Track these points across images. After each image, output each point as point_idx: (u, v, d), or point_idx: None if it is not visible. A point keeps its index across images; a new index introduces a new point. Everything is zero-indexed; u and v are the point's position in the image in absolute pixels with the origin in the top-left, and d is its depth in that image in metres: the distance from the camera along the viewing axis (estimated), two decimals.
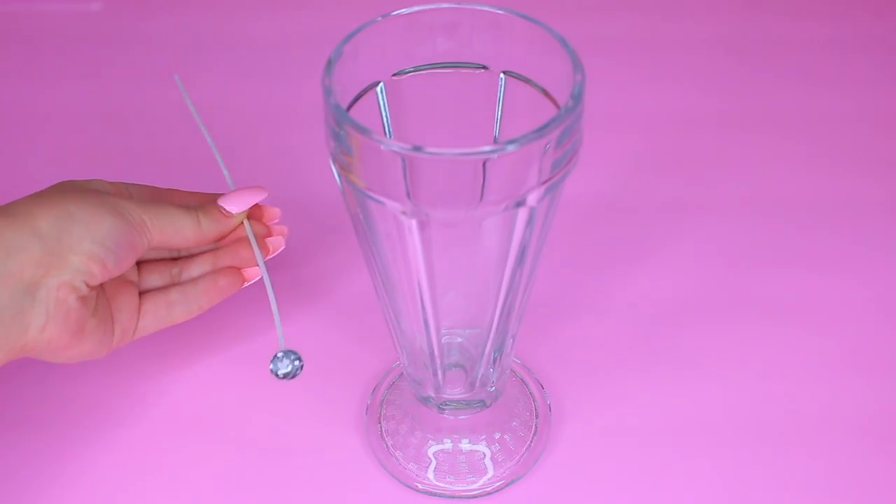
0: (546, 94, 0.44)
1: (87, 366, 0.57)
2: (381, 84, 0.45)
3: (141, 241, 0.51)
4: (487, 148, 0.39)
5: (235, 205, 0.55)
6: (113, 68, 0.77)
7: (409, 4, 0.44)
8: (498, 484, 0.54)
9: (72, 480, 0.54)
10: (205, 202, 0.55)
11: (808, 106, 0.73)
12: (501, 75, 0.46)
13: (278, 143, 0.70)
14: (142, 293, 0.54)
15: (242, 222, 0.56)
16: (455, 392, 0.52)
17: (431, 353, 0.49)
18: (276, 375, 0.51)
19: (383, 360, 0.59)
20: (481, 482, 0.54)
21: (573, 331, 0.60)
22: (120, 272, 0.50)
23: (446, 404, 0.53)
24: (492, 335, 0.48)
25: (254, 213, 0.57)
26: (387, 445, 0.55)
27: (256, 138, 0.71)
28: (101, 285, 0.51)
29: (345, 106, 0.43)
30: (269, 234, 0.57)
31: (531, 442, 0.55)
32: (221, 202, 0.55)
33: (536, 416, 0.56)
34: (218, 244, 0.57)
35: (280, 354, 0.51)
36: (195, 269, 0.56)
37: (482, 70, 0.46)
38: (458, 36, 0.45)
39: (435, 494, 0.53)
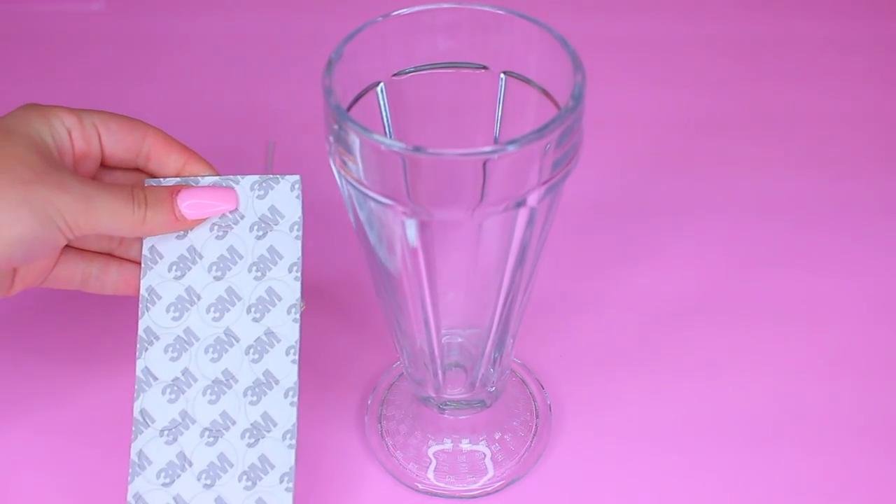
0: (546, 94, 0.44)
1: None
2: (382, 84, 0.45)
3: (60, 240, 0.47)
4: (488, 148, 0.39)
5: (196, 209, 0.50)
6: (113, 68, 0.77)
7: (409, 4, 0.44)
8: (498, 484, 0.54)
9: None
10: (156, 194, 0.49)
11: (808, 106, 0.73)
12: (502, 75, 0.46)
13: (278, 144, 0.70)
14: (67, 246, 0.51)
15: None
16: (455, 392, 0.52)
17: (432, 353, 0.49)
18: None
19: (383, 360, 0.59)
20: (481, 482, 0.54)
21: (573, 331, 0.60)
22: (36, 263, 0.48)
23: (446, 404, 0.53)
24: (492, 335, 0.48)
25: None
26: (387, 445, 0.55)
27: (256, 138, 0.71)
28: None
29: (345, 106, 0.43)
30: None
31: (531, 442, 0.55)
32: (180, 200, 0.49)
33: (536, 416, 0.56)
34: None
35: None
36: (135, 249, 0.52)
37: (482, 70, 0.46)
38: (458, 36, 0.45)
39: (435, 494, 0.53)
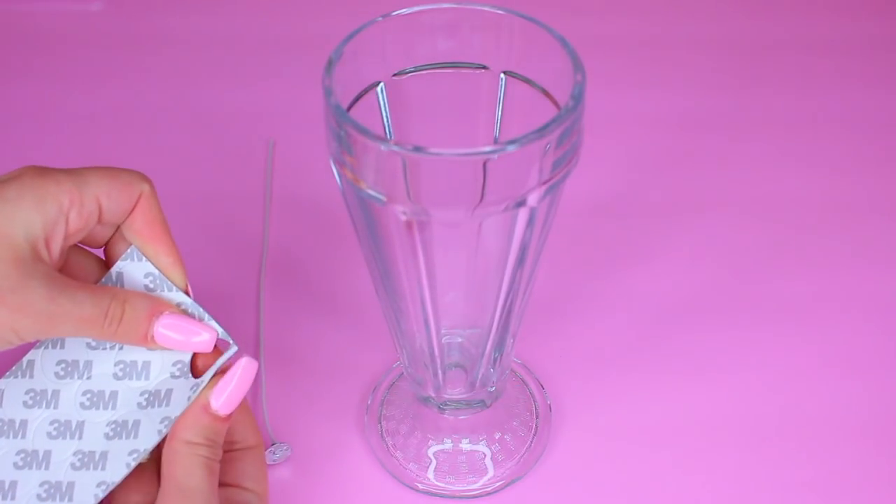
0: (546, 94, 0.44)
1: None
2: (382, 84, 0.45)
3: (7, 346, 0.44)
4: (488, 148, 0.39)
5: (171, 338, 0.46)
6: (113, 68, 0.77)
7: (409, 4, 0.44)
8: (498, 484, 0.54)
9: None
10: (134, 312, 0.46)
11: (807, 106, 0.73)
12: (502, 75, 0.46)
13: (278, 143, 0.70)
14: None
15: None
16: (455, 392, 0.52)
17: (432, 353, 0.49)
18: None
19: (383, 360, 0.59)
20: (481, 482, 0.54)
21: (573, 331, 0.60)
22: None
23: (446, 404, 0.53)
24: (492, 335, 0.48)
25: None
26: (387, 445, 0.55)
27: (256, 138, 0.71)
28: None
29: (345, 106, 0.43)
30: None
31: (531, 442, 0.55)
32: (157, 325, 0.46)
33: (536, 416, 0.56)
34: None
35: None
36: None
37: (482, 70, 0.46)
38: (458, 36, 0.45)
39: (435, 494, 0.53)
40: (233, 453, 0.49)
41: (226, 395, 0.46)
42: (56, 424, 0.47)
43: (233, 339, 0.48)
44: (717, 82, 0.75)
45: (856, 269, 0.63)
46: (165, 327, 0.46)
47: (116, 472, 0.46)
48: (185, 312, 0.47)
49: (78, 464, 0.46)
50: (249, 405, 0.49)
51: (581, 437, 0.55)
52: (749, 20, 0.80)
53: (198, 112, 0.73)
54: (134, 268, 0.48)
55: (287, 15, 0.81)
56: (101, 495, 0.46)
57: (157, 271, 0.48)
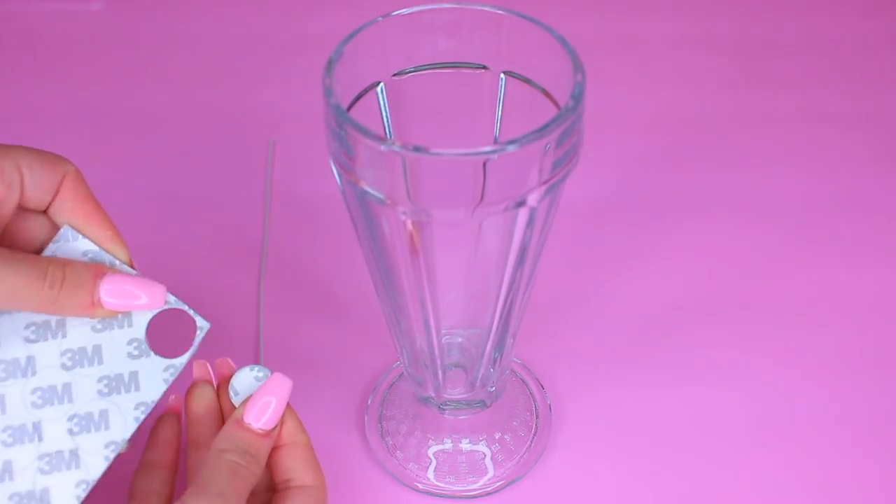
0: (546, 94, 0.44)
1: None
2: (382, 84, 0.45)
3: None
4: (488, 148, 0.39)
5: (119, 299, 0.44)
6: (113, 68, 0.77)
7: (409, 4, 0.44)
8: (498, 484, 0.54)
9: None
10: (76, 275, 0.43)
11: (807, 106, 0.73)
12: (502, 75, 0.46)
13: (278, 143, 0.70)
14: None
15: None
16: (455, 392, 0.52)
17: (432, 353, 0.49)
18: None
19: (383, 360, 0.59)
20: (481, 482, 0.54)
21: (573, 331, 0.60)
22: None
23: (446, 404, 0.53)
24: (492, 335, 0.48)
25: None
26: (387, 445, 0.55)
27: (256, 138, 0.71)
28: None
29: (345, 106, 0.43)
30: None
31: (531, 442, 0.55)
32: (103, 285, 0.43)
33: (536, 416, 0.56)
34: None
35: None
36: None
37: (482, 70, 0.46)
38: (458, 36, 0.45)
39: (435, 494, 0.53)
40: (288, 489, 0.47)
41: (257, 409, 0.45)
42: (10, 431, 0.44)
43: (189, 306, 0.45)
44: (717, 82, 0.75)
45: (855, 270, 0.63)
46: (108, 293, 0.44)
47: (95, 467, 0.45)
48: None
49: (47, 468, 0.44)
50: (311, 444, 0.47)
51: (581, 437, 0.55)
52: (749, 20, 0.80)
53: (198, 112, 0.73)
54: (69, 248, 0.45)
55: (287, 15, 0.81)
56: (84, 494, 0.44)
57: (95, 247, 0.45)
